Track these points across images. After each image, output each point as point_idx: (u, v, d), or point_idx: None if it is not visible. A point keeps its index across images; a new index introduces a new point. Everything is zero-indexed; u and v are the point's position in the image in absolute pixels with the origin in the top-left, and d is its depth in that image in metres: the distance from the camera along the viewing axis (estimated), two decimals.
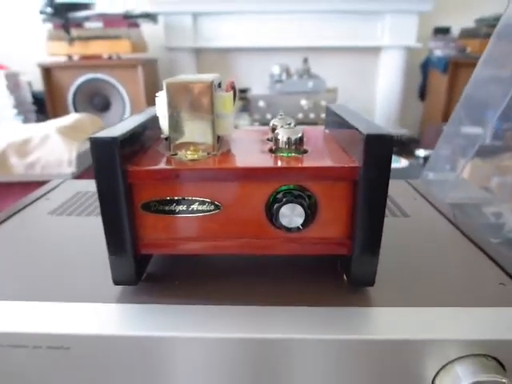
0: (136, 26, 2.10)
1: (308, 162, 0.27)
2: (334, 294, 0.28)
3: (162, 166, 0.26)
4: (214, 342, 0.25)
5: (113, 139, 0.24)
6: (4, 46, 2.27)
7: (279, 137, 0.28)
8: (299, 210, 0.25)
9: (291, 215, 0.25)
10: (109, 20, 2.02)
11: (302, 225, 0.26)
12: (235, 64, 2.38)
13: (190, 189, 0.26)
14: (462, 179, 1.04)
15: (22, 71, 1.95)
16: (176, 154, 0.28)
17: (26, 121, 1.91)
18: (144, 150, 0.30)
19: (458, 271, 0.32)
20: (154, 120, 0.30)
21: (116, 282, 0.28)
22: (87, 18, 2.01)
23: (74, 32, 1.99)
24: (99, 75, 2.01)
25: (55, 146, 1.04)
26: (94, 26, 2.02)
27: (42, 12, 1.98)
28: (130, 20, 2.04)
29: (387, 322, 0.26)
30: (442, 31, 2.27)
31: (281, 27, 2.24)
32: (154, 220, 0.27)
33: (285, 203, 0.25)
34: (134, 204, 0.27)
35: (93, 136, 0.24)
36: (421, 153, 1.28)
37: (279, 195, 0.26)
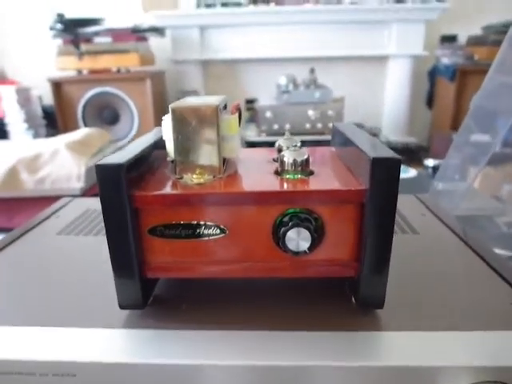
0: (144, 39, 2.13)
1: (314, 184, 0.27)
2: (343, 317, 0.28)
3: (168, 190, 0.26)
4: (222, 369, 0.24)
5: (119, 166, 0.24)
6: (15, 62, 2.32)
7: (285, 159, 0.28)
8: (305, 234, 0.25)
9: (298, 239, 0.25)
10: (117, 34, 2.05)
11: (308, 248, 0.25)
12: (242, 75, 2.39)
13: (196, 213, 0.26)
14: (473, 189, 1.03)
15: (33, 86, 1.99)
16: (182, 178, 0.28)
17: (36, 135, 1.94)
18: (152, 171, 0.30)
19: (469, 292, 0.31)
20: (162, 140, 0.30)
21: (122, 306, 0.28)
22: (96, 33, 2.05)
23: (84, 47, 2.03)
24: (108, 89, 2.04)
25: (64, 161, 1.06)
26: (103, 40, 2.05)
27: (52, 28, 2.02)
28: (138, 34, 2.08)
29: (397, 348, 0.25)
30: (448, 39, 2.27)
31: (287, 38, 2.25)
32: (160, 244, 0.27)
33: (291, 227, 0.25)
34: (140, 228, 0.27)
35: (99, 162, 0.25)
36: (430, 162, 1.27)
37: (285, 218, 0.26)
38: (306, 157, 0.28)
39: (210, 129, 0.27)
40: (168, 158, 0.30)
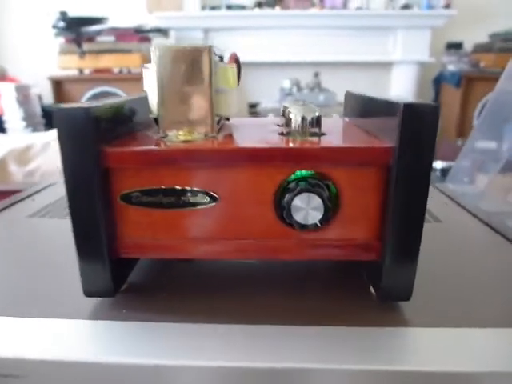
0: (147, 40, 2.10)
1: (328, 143, 0.22)
2: (359, 310, 0.23)
3: (147, 147, 0.21)
4: (209, 372, 0.19)
5: (85, 111, 0.19)
6: (17, 60, 2.29)
7: (292, 116, 0.23)
8: (317, 201, 0.20)
9: (307, 208, 0.20)
10: (120, 34, 2.03)
11: (320, 221, 0.20)
12: (246, 79, 2.36)
13: (181, 176, 0.21)
14: (484, 192, 0.98)
15: (34, 84, 1.96)
16: (166, 136, 0.23)
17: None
18: (132, 133, 0.25)
19: (506, 283, 0.26)
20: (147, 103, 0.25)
21: (87, 293, 0.23)
22: (99, 32, 2.02)
23: (86, 46, 2.00)
24: (109, 88, 2.01)
25: (55, 154, 1.01)
26: (106, 39, 2.03)
27: (54, 26, 1.99)
28: (141, 34, 2.05)
29: (428, 348, 0.20)
30: (454, 46, 2.25)
31: (292, 42, 2.23)
32: (135, 215, 0.22)
33: (299, 193, 0.20)
34: (111, 194, 0.21)
35: (58, 106, 0.20)
36: (438, 164, 1.22)
37: (292, 184, 0.20)
38: (316, 114, 0.23)
39: (201, 75, 0.22)
40: (151, 115, 0.25)
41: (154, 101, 0.24)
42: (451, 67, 2.20)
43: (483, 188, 0.98)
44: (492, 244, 0.32)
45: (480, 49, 2.15)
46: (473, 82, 2.05)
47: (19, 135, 1.47)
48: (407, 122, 0.19)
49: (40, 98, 2.06)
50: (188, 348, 0.20)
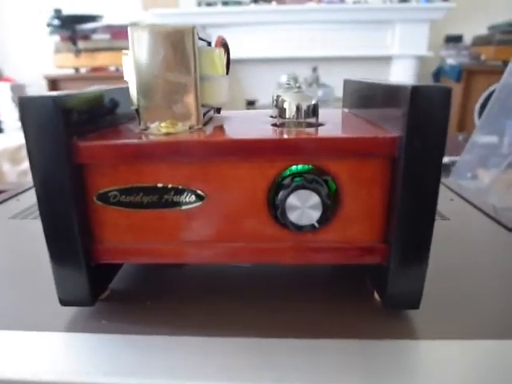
0: None
1: (326, 133, 0.19)
2: (362, 320, 0.21)
3: (124, 140, 0.19)
4: None
5: (53, 100, 0.17)
6: (12, 59, 2.27)
7: (285, 105, 0.21)
8: (314, 199, 0.18)
9: (303, 207, 0.18)
10: (116, 31, 2.00)
11: (318, 221, 0.18)
12: (242, 75, 2.33)
13: (163, 172, 0.19)
14: (489, 188, 0.97)
15: (31, 83, 1.94)
16: (147, 129, 0.21)
17: None
18: (110, 128, 0.23)
19: None
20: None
21: (63, 302, 0.20)
22: (94, 30, 2.00)
23: (81, 44, 1.98)
24: (106, 87, 1.98)
25: None
26: (101, 37, 2.01)
27: (49, 24, 1.97)
28: None
29: (443, 365, 0.18)
30: (453, 39, 2.22)
31: (288, 37, 2.20)
32: (114, 216, 0.20)
33: (294, 189, 0.18)
34: (86, 194, 0.19)
35: (23, 96, 0.17)
36: None
37: (286, 180, 0.18)
38: (313, 102, 0.21)
39: (184, 60, 0.20)
40: (132, 107, 0.22)
41: (134, 90, 0.21)
42: (450, 61, 2.17)
43: (487, 183, 0.96)
44: (504, 244, 0.30)
45: (480, 41, 2.12)
46: (473, 75, 2.02)
47: (13, 134, 1.45)
48: (416, 107, 0.16)
49: None
50: (176, 365, 0.18)
